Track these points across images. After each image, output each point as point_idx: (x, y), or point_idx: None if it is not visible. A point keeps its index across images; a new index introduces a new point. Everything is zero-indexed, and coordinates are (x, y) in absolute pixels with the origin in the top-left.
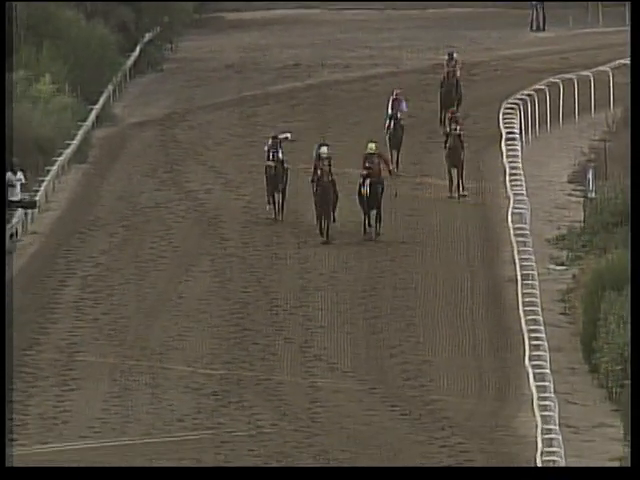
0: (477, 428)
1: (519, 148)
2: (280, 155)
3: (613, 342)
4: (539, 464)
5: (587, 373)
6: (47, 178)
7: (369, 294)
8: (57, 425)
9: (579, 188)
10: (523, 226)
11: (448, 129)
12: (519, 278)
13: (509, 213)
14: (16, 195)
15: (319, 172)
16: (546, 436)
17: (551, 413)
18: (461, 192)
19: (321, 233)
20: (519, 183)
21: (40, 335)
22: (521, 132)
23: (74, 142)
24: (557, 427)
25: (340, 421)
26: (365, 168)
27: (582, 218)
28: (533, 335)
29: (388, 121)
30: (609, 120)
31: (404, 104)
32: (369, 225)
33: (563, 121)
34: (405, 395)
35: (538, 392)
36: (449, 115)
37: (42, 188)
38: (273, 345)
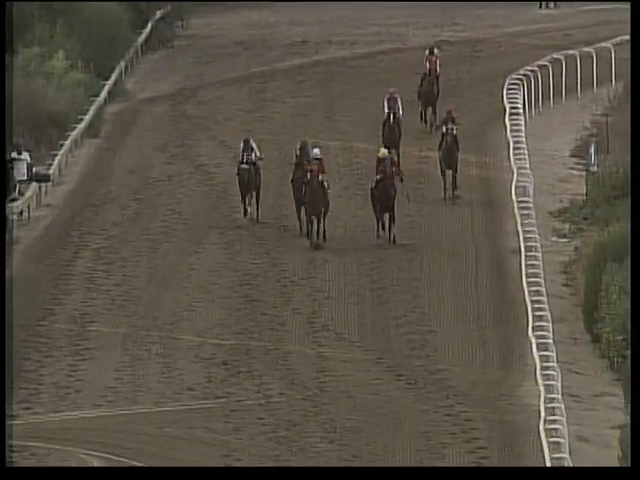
0: (481, 397)
1: (523, 123)
2: (253, 157)
3: (614, 313)
4: (542, 432)
5: (589, 343)
6: (60, 152)
7: (376, 266)
8: (70, 394)
9: (581, 162)
10: (526, 199)
11: (444, 129)
12: (522, 250)
13: (513, 186)
14: (22, 175)
15: (308, 174)
16: (549, 405)
17: (554, 382)
18: (455, 193)
19: (308, 236)
20: (522, 157)
21: (54, 306)
22: (525, 107)
23: (87, 117)
24: (560, 396)
25: (347, 390)
26: (378, 172)
27: (584, 191)
28: (536, 306)
29: (385, 119)
30: (611, 95)
31: (400, 105)
32: (382, 229)
33: (566, 96)
34: (411, 365)
35: (541, 362)
36: (446, 115)
37: (56, 162)
38: (281, 316)
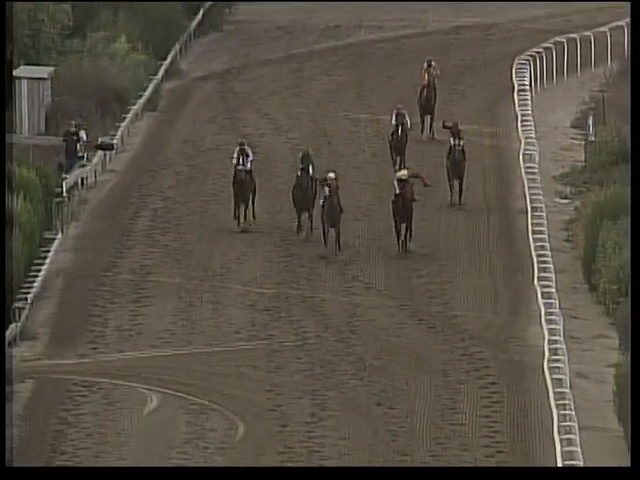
0: (492, 339)
1: (529, 98)
2: (249, 164)
3: (610, 265)
4: (546, 370)
5: (587, 292)
6: (123, 124)
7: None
8: (132, 336)
9: (581, 132)
10: (532, 165)
11: (452, 142)
12: (529, 210)
13: (520, 154)
14: (80, 152)
15: (327, 190)
16: (552, 346)
17: (556, 326)
18: (461, 201)
19: (326, 245)
20: (529, 128)
21: (117, 259)
22: (531, 84)
23: (146, 93)
24: (562, 338)
25: (375, 333)
26: (400, 188)
27: (583, 158)
28: (541, 259)
29: (393, 130)
30: (607, 74)
31: (408, 120)
32: (399, 241)
33: (567, 75)
34: (431, 311)
35: (545, 308)
36: (450, 127)
37: (119, 132)
38: (317, 268)
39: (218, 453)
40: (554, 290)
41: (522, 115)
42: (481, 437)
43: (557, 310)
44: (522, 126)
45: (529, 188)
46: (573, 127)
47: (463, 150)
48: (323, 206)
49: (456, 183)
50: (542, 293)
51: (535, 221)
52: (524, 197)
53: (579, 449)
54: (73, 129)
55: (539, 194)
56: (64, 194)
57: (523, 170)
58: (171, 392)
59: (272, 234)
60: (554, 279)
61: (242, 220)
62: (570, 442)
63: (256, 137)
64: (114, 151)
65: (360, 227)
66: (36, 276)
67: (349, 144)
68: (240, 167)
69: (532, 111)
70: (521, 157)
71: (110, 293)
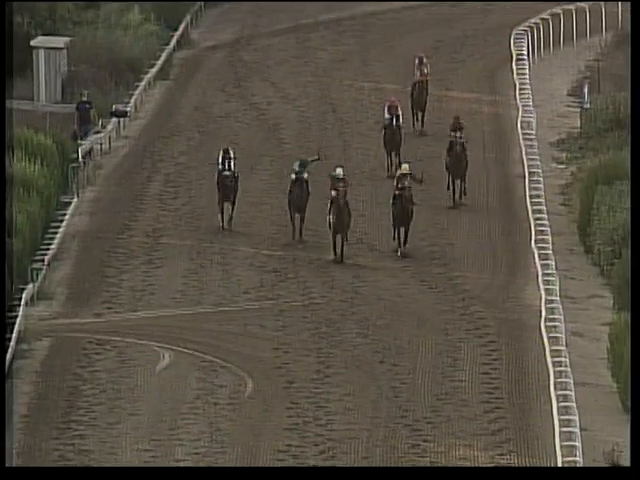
0: (491, 299)
1: (527, 67)
2: (232, 166)
3: (604, 227)
4: (543, 329)
5: (583, 253)
6: (136, 92)
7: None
8: (145, 296)
9: (576, 100)
10: (530, 132)
11: (452, 136)
12: (526, 175)
13: (518, 121)
14: (93, 121)
15: (334, 193)
16: (549, 305)
17: (553, 286)
18: (462, 200)
19: (334, 252)
20: (527, 96)
21: (131, 222)
22: (529, 54)
23: (158, 62)
24: (558, 298)
25: (378, 293)
26: (398, 189)
27: (579, 125)
28: (538, 222)
29: (387, 124)
30: (601, 44)
31: (400, 113)
32: (398, 239)
33: (564, 44)
34: (432, 272)
35: (542, 269)
36: (453, 121)
37: (132, 100)
38: (322, 231)
39: (227, 409)
40: (551, 252)
41: (520, 83)
42: (480, 393)
43: (553, 271)
44: (520, 94)
45: (527, 154)
46: (569, 95)
47: (464, 145)
48: (330, 209)
49: (457, 181)
50: (539, 255)
51: (532, 186)
52: (522, 162)
53: (574, 405)
54: (86, 98)
55: (536, 160)
56: (80, 160)
57: (521, 136)
58: (182, 350)
59: (280, 199)
60: (551, 241)
61: (224, 218)
62: (566, 398)
63: (264, 105)
64: (128, 118)
65: (364, 191)
66: (53, 238)
67: (354, 111)
68: (226, 172)
69: (530, 79)
70: (519, 124)
71: (124, 255)
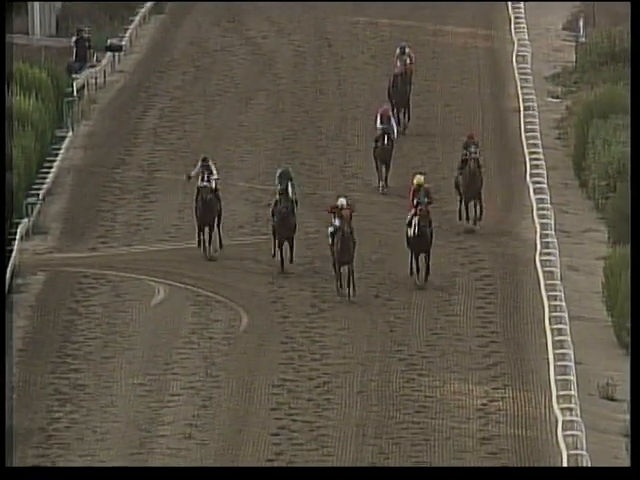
0: (487, 233)
1: (522, 2)
2: (213, 181)
3: (599, 161)
4: (538, 263)
5: (578, 187)
6: (131, 26)
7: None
8: (140, 230)
9: (572, 34)
10: (525, 66)
11: (466, 152)
12: (522, 109)
13: (514, 55)
14: (89, 57)
15: (337, 221)
16: (544, 240)
17: (548, 220)
18: (478, 223)
19: (340, 285)
20: (522, 30)
21: (126, 156)
22: None
23: None
24: (553, 232)
25: (373, 228)
26: (414, 206)
27: (574, 59)
28: (533, 156)
29: (378, 137)
30: None
31: (394, 123)
32: (416, 270)
33: None
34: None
35: (537, 203)
36: (467, 140)
37: (127, 35)
38: (318, 165)
39: (222, 343)
40: (546, 186)
41: (515, 18)
42: (475, 327)
43: (548, 205)
44: (515, 29)
45: (522, 88)
46: (564, 29)
47: (479, 162)
48: (332, 238)
49: (471, 204)
50: (534, 189)
51: (527, 120)
52: (517, 97)
53: (569, 338)
54: (84, 34)
55: (531, 94)
56: (74, 94)
57: (516, 71)
58: (177, 284)
59: (274, 132)
60: (546, 175)
61: (207, 246)
62: (560, 332)
63: (259, 39)
64: (123, 52)
65: (358, 126)
66: (48, 173)
67: (349, 46)
68: (204, 184)
69: (525, 14)
70: (514, 58)
71: (119, 189)
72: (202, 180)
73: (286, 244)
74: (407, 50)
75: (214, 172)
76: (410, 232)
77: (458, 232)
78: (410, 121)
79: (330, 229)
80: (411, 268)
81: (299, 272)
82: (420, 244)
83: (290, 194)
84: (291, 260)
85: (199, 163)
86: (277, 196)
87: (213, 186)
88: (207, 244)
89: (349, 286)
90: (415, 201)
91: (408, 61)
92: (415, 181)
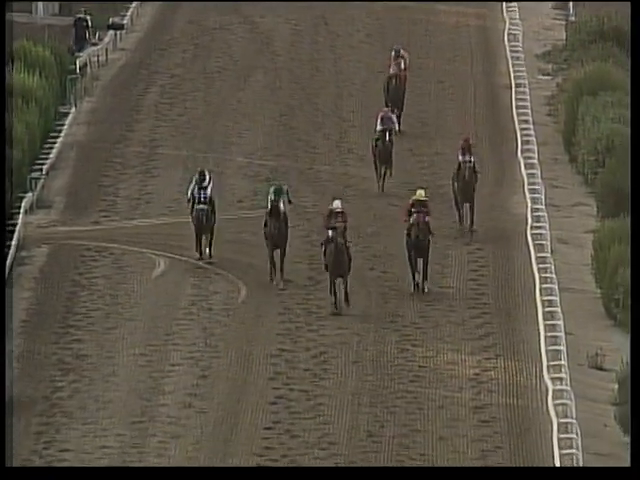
0: (478, 207)
1: None
2: (209, 193)
3: (589, 137)
4: (529, 236)
5: (567, 162)
6: (132, 5)
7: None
8: (141, 205)
9: (562, 13)
10: (516, 44)
11: (462, 159)
12: (513, 86)
13: (505, 34)
14: (89, 37)
15: (331, 232)
16: (534, 213)
17: (538, 195)
18: (472, 227)
19: (334, 298)
20: (513, 9)
21: (127, 132)
22: None
23: None
24: (543, 206)
25: (368, 202)
26: (411, 215)
27: (564, 37)
28: (524, 132)
29: (379, 136)
30: None
31: (395, 119)
32: (414, 280)
33: None
34: (420, 180)
35: (528, 178)
36: (462, 142)
37: (129, 13)
38: (314, 141)
39: (221, 314)
40: (536, 161)
41: None
42: (468, 299)
43: (539, 180)
44: (507, 7)
45: (513, 65)
46: (555, 8)
47: (474, 169)
48: (325, 250)
49: (466, 206)
50: (525, 164)
51: (519, 96)
52: (508, 74)
53: (559, 310)
54: (82, 15)
55: (522, 71)
56: (77, 71)
57: (508, 49)
58: (177, 257)
59: (272, 109)
60: (536, 151)
61: (203, 251)
62: (551, 303)
63: (257, 18)
64: (124, 31)
65: (355, 102)
66: (51, 148)
67: (344, 25)
68: (200, 206)
69: None
70: (506, 37)
71: (121, 164)
72: (199, 200)
73: (277, 254)
74: (401, 52)
75: (210, 184)
76: (410, 241)
77: (454, 221)
78: (401, 124)
79: (323, 241)
80: (414, 278)
81: (296, 245)
82: (418, 251)
83: (282, 208)
84: (281, 269)
85: (195, 177)
86: (269, 206)
87: (207, 206)
88: (203, 250)
89: (345, 297)
90: (413, 210)
91: (402, 65)
92: (416, 195)
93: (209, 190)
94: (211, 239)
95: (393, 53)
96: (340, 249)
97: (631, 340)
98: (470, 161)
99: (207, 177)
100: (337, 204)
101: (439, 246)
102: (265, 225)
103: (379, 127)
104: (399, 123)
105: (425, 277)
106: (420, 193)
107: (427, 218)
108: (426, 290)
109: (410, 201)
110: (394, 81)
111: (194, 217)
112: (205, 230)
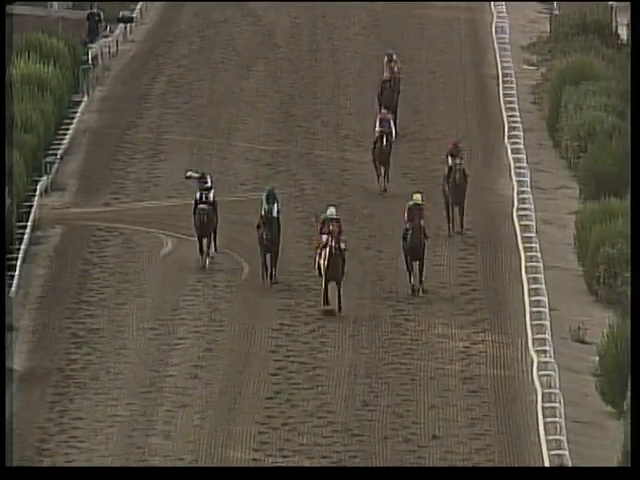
0: (467, 190)
1: None
2: (211, 196)
3: (571, 124)
4: (515, 217)
5: (551, 148)
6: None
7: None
8: (150, 187)
9: (547, 6)
10: (503, 36)
11: (451, 162)
12: (500, 75)
13: (493, 26)
14: (101, 31)
15: (324, 238)
16: (520, 196)
17: (524, 178)
18: (462, 229)
19: (327, 301)
20: (500, 3)
21: (137, 119)
22: None
23: None
24: (529, 189)
25: (364, 185)
26: (409, 220)
27: (549, 30)
28: (511, 119)
29: (377, 138)
30: None
31: (392, 124)
32: (411, 282)
33: None
34: (413, 165)
35: (514, 162)
36: (451, 147)
37: (138, 7)
38: (313, 127)
39: (225, 291)
40: (522, 146)
41: None
42: (457, 276)
43: (525, 164)
44: (494, 1)
45: (500, 56)
46: (540, 1)
47: (464, 172)
48: (320, 254)
49: (456, 209)
50: (512, 149)
51: (505, 85)
52: (496, 64)
53: (544, 286)
54: (95, 10)
55: (509, 61)
56: (90, 62)
57: (495, 40)
58: (184, 237)
59: (273, 97)
60: (522, 137)
61: (204, 253)
62: (536, 280)
63: (259, 11)
64: (134, 23)
65: (351, 91)
66: (65, 134)
67: (341, 18)
68: (202, 206)
69: None
70: (493, 29)
71: (130, 149)
72: (201, 200)
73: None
74: (394, 57)
75: (211, 186)
76: (406, 245)
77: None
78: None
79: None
80: (410, 278)
81: (295, 226)
82: (413, 253)
83: (275, 213)
84: (274, 273)
85: (196, 175)
86: (262, 211)
87: (210, 206)
88: (204, 252)
89: (339, 301)
90: (409, 216)
91: (395, 69)
92: (413, 200)
93: (211, 193)
94: (214, 239)
95: (386, 58)
96: (334, 254)
97: (631, 340)
98: (461, 164)
99: (209, 180)
100: (332, 211)
101: (430, 225)
102: (258, 227)
103: (377, 129)
104: (395, 128)
105: (421, 280)
106: (417, 197)
107: (422, 222)
108: (421, 293)
109: (407, 206)
110: (388, 85)
111: (195, 217)
112: (206, 230)
